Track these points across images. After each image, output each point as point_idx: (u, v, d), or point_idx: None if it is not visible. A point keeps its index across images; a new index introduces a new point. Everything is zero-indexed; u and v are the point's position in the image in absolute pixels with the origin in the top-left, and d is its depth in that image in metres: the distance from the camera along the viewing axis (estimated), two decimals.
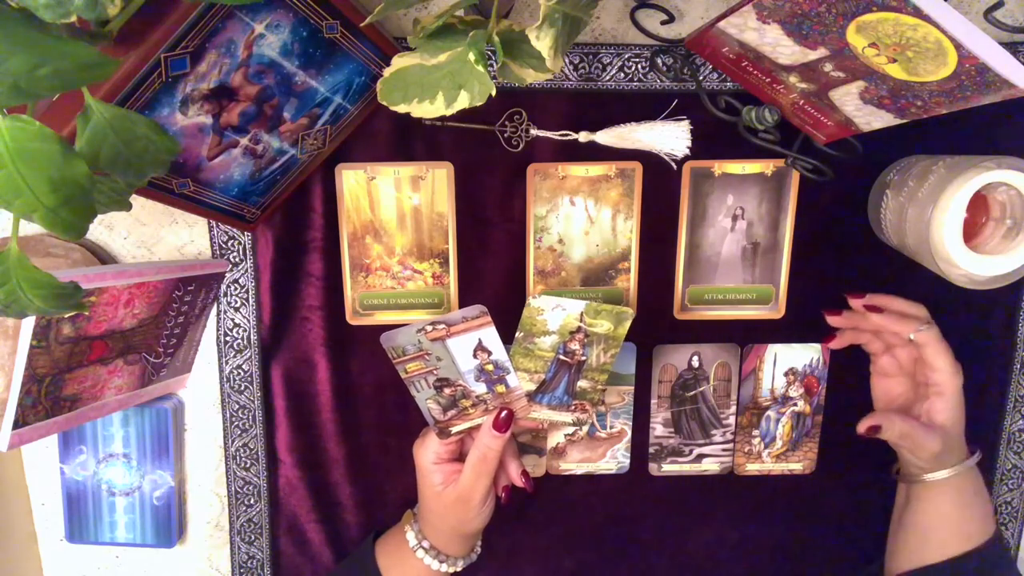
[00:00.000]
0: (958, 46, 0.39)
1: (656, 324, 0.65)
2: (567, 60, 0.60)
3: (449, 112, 0.45)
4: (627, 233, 0.64)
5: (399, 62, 0.47)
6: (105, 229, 0.62)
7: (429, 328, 0.57)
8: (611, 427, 0.68)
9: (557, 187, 0.62)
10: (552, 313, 0.58)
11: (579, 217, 0.63)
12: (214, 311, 0.64)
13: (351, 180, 0.62)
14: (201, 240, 0.63)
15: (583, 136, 0.60)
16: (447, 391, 0.59)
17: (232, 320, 0.64)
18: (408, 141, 0.61)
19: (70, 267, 0.58)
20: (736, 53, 0.52)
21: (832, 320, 0.62)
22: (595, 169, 0.62)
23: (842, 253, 0.65)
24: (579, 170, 0.62)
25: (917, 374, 0.60)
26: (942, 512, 0.58)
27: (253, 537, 0.69)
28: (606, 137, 0.60)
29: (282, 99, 0.51)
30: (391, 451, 0.67)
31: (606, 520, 0.71)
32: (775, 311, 0.66)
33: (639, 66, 0.60)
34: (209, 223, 0.62)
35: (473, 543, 0.63)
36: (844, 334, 0.63)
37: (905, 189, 0.57)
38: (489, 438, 0.58)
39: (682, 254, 0.64)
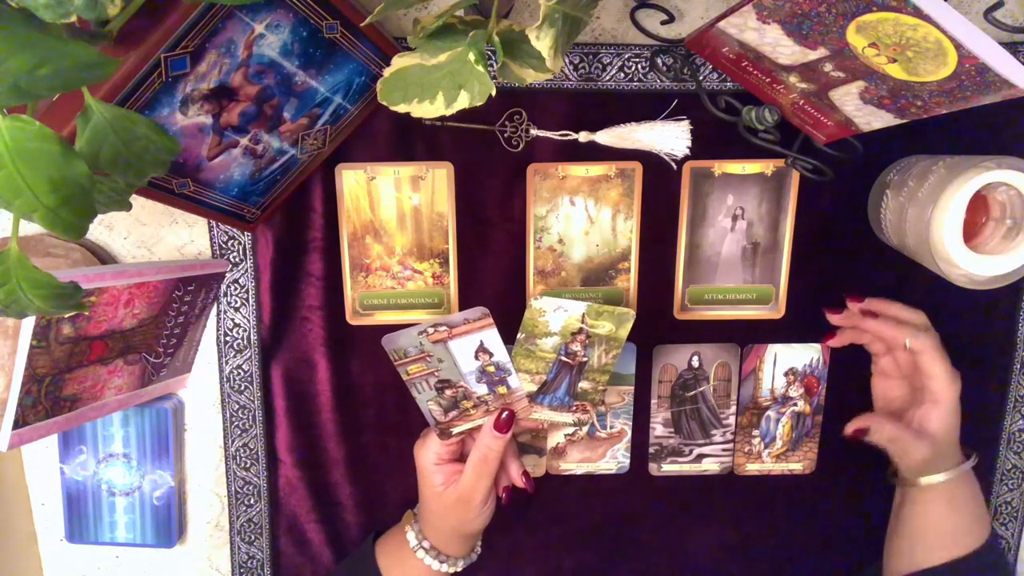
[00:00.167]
0: (958, 46, 0.39)
1: (656, 324, 0.65)
2: (567, 60, 0.60)
3: (449, 112, 0.45)
4: (627, 233, 0.64)
5: (399, 62, 0.47)
6: (105, 229, 0.62)
7: (431, 330, 0.57)
8: (611, 427, 0.68)
9: (557, 187, 0.62)
10: (554, 315, 0.58)
11: (579, 217, 0.63)
12: (214, 311, 0.64)
13: (351, 180, 0.62)
14: (201, 240, 0.63)
15: (583, 136, 0.60)
16: (448, 392, 0.59)
17: (232, 320, 0.64)
18: (408, 141, 0.61)
19: (70, 267, 0.58)
20: (736, 53, 0.52)
21: (832, 318, 0.62)
22: (595, 169, 0.62)
23: (842, 253, 0.65)
24: (579, 170, 0.62)
25: (914, 379, 0.60)
26: (935, 516, 0.58)
27: (253, 537, 0.69)
28: (606, 137, 0.60)
29: (282, 99, 0.51)
30: (391, 451, 0.67)
31: (606, 520, 0.71)
32: (775, 311, 0.66)
33: (639, 66, 0.60)
34: (209, 223, 0.62)
35: (473, 543, 0.63)
36: (844, 333, 0.63)
37: (905, 189, 0.57)
38: (490, 439, 0.58)
39: (682, 254, 0.64)
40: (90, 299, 0.49)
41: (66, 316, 0.49)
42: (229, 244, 0.63)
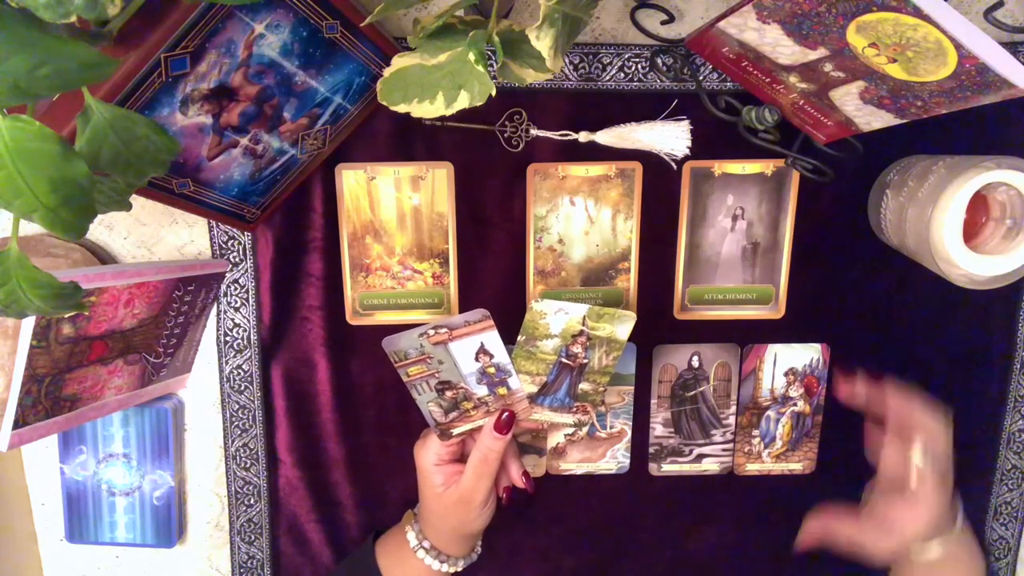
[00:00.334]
0: (958, 46, 0.39)
1: (656, 324, 0.65)
2: (567, 60, 0.60)
3: (449, 112, 0.45)
4: (627, 233, 0.64)
5: (399, 62, 0.47)
6: (105, 229, 0.62)
7: (431, 332, 0.57)
8: (611, 427, 0.68)
9: (557, 187, 0.62)
10: (554, 317, 0.58)
11: (579, 217, 0.63)
12: (214, 311, 0.64)
13: (351, 180, 0.62)
14: (201, 240, 0.63)
15: (583, 136, 0.60)
16: (449, 394, 0.59)
17: (232, 320, 0.64)
18: (408, 141, 0.61)
19: (70, 267, 0.58)
20: (736, 53, 0.52)
21: (842, 392, 0.60)
22: (595, 169, 0.62)
23: (842, 253, 0.65)
24: (579, 170, 0.62)
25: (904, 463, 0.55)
26: None
27: (253, 537, 0.69)
28: (606, 137, 0.60)
29: (282, 99, 0.51)
30: (391, 451, 0.67)
31: (606, 520, 0.71)
32: (775, 311, 0.66)
33: (639, 66, 0.60)
34: (209, 223, 0.62)
35: (474, 543, 0.63)
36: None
37: (905, 189, 0.57)
38: (490, 439, 0.58)
39: (682, 254, 0.64)
40: (90, 299, 0.49)
41: (66, 316, 0.49)
42: (229, 244, 0.63)
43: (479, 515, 0.59)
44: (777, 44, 0.48)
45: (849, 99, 0.50)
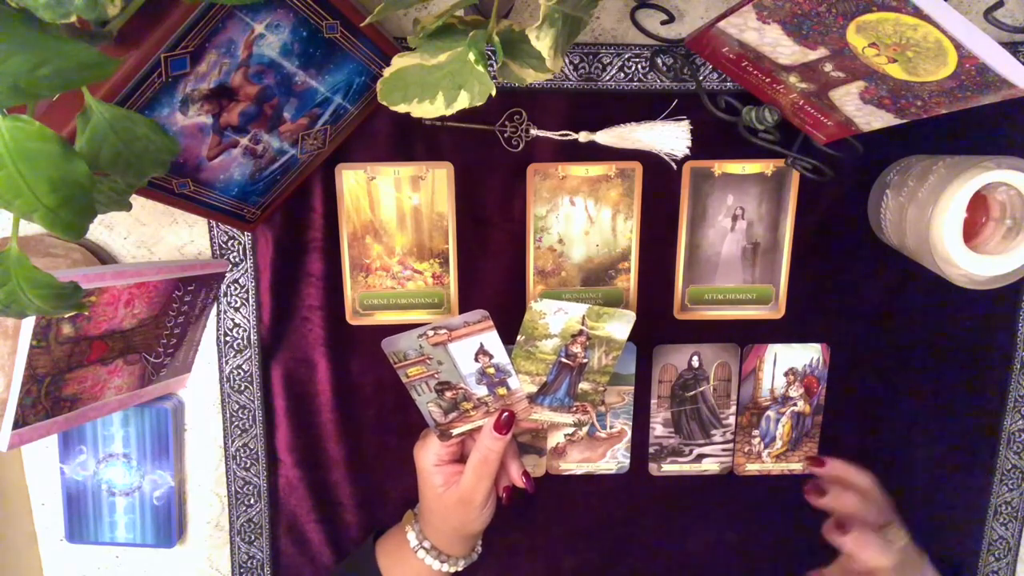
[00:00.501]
0: (958, 46, 0.39)
1: (656, 324, 0.65)
2: (567, 60, 0.60)
3: (449, 112, 0.45)
4: (627, 233, 0.64)
5: (399, 62, 0.47)
6: (105, 229, 0.62)
7: (431, 333, 0.57)
8: (611, 427, 0.68)
9: (557, 187, 0.62)
10: (554, 317, 0.58)
11: (579, 217, 0.63)
12: (214, 311, 0.64)
13: (351, 180, 0.62)
14: (201, 240, 0.63)
15: (583, 136, 0.60)
16: (448, 394, 0.59)
17: (232, 320, 0.64)
18: (408, 141, 0.61)
19: (70, 267, 0.58)
20: (736, 53, 0.52)
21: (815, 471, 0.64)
22: (595, 169, 0.62)
23: (842, 253, 0.65)
24: (579, 170, 0.62)
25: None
26: None
27: (253, 537, 0.69)
28: (606, 137, 0.60)
29: (282, 99, 0.51)
30: (391, 451, 0.67)
31: (606, 520, 0.71)
32: (775, 311, 0.66)
33: (639, 66, 0.60)
34: (209, 223, 0.62)
35: (474, 543, 0.63)
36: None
37: (905, 189, 0.57)
38: (490, 440, 0.58)
39: (682, 254, 0.64)
40: (90, 299, 0.49)
41: (66, 316, 0.49)
42: (229, 244, 0.63)
43: (479, 515, 0.59)
44: (777, 44, 0.48)
45: (849, 99, 0.50)
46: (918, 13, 0.38)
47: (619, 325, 0.58)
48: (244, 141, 0.51)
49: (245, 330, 0.65)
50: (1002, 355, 0.67)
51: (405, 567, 0.61)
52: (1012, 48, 0.60)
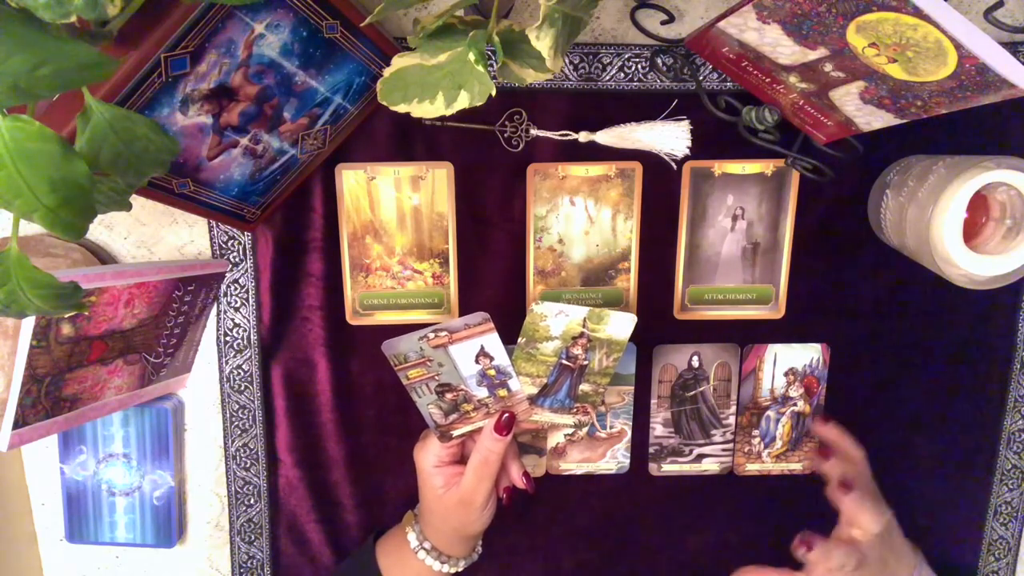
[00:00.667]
0: (958, 46, 0.39)
1: (656, 324, 0.65)
2: (567, 60, 0.60)
3: (449, 112, 0.45)
4: (627, 233, 0.64)
5: (399, 62, 0.47)
6: (105, 229, 0.62)
7: (431, 335, 0.56)
8: (611, 427, 0.68)
9: (557, 187, 0.62)
10: (555, 319, 0.58)
11: (579, 217, 0.63)
12: (214, 311, 0.64)
13: (351, 180, 0.62)
14: (201, 240, 0.63)
15: (583, 136, 0.60)
16: (449, 396, 0.59)
17: (232, 320, 0.64)
18: (408, 141, 0.61)
19: (70, 267, 0.58)
20: (736, 53, 0.52)
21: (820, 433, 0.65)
22: (595, 169, 0.62)
23: (842, 253, 0.65)
24: (579, 170, 0.62)
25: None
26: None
27: (253, 537, 0.69)
28: (606, 137, 0.60)
29: (282, 99, 0.51)
30: (391, 451, 0.67)
31: (606, 520, 0.71)
32: (775, 311, 0.66)
33: (639, 66, 0.60)
34: (209, 223, 0.62)
35: (475, 543, 0.63)
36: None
37: (905, 189, 0.57)
38: (491, 441, 0.58)
39: (682, 254, 0.64)
40: (90, 299, 0.49)
41: (66, 316, 0.49)
42: (229, 244, 0.63)
43: (480, 516, 0.59)
44: (777, 44, 0.48)
45: (849, 99, 0.50)
46: (918, 13, 0.38)
47: (620, 327, 0.58)
48: (244, 141, 0.51)
49: (245, 330, 0.65)
50: (1002, 355, 0.67)
51: (405, 567, 0.61)
52: (1012, 48, 0.60)
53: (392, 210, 0.62)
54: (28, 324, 0.47)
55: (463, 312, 0.65)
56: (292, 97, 0.51)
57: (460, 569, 0.62)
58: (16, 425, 0.49)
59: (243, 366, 0.65)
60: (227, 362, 0.65)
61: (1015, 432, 0.69)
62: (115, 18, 0.38)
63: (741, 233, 0.64)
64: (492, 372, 0.59)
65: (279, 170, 0.56)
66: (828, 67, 0.47)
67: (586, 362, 0.60)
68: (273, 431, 0.67)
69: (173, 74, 0.43)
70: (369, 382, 0.66)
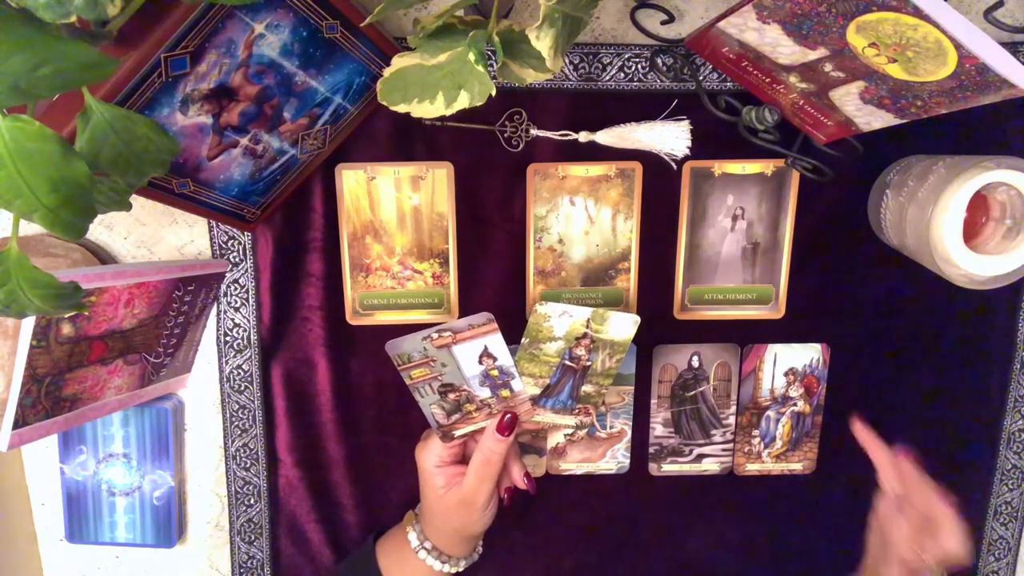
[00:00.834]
0: (958, 46, 0.39)
1: (656, 324, 0.65)
2: (567, 60, 0.59)
3: (449, 112, 0.45)
4: (627, 233, 0.64)
5: (399, 62, 0.47)
6: (105, 229, 0.62)
7: (435, 335, 0.56)
8: (611, 427, 0.68)
9: (557, 187, 0.62)
10: (558, 320, 0.58)
11: (579, 217, 0.63)
12: (214, 311, 0.64)
13: (351, 180, 0.62)
14: (201, 240, 0.63)
15: (583, 136, 0.60)
16: (451, 396, 0.59)
17: (232, 320, 0.64)
18: (408, 141, 0.61)
19: (70, 267, 0.58)
20: (736, 53, 0.52)
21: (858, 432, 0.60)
22: (595, 169, 0.62)
23: (842, 253, 0.65)
24: (579, 170, 0.62)
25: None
26: None
27: (253, 537, 0.69)
28: (606, 137, 0.60)
29: (282, 99, 0.51)
30: (391, 451, 0.67)
31: (606, 520, 0.71)
32: (775, 311, 0.66)
33: (639, 66, 0.60)
34: (209, 223, 0.62)
35: (475, 544, 0.63)
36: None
37: (905, 189, 0.57)
38: (493, 442, 0.58)
39: (682, 254, 0.64)
40: (90, 299, 0.49)
41: (66, 316, 0.49)
42: (229, 244, 0.63)
43: (481, 516, 0.59)
44: (777, 44, 0.48)
45: (849, 99, 0.50)
46: (918, 13, 0.38)
47: (623, 328, 0.58)
48: (244, 141, 0.51)
49: (245, 330, 0.65)
50: (1002, 355, 0.67)
51: (406, 567, 0.61)
52: (1012, 48, 0.60)
53: (392, 210, 0.62)
54: (28, 324, 0.47)
55: (463, 312, 0.65)
56: (292, 97, 0.51)
57: (460, 569, 0.62)
58: (16, 425, 0.49)
59: (243, 366, 0.65)
60: (227, 362, 0.65)
61: (1015, 432, 0.69)
62: (115, 18, 0.38)
63: (741, 233, 0.64)
64: (495, 373, 0.59)
65: (279, 170, 0.56)
66: (828, 67, 0.47)
67: (589, 363, 0.60)
68: (273, 431, 0.67)
69: (173, 74, 0.43)
70: (369, 382, 0.66)
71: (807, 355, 0.67)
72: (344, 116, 0.56)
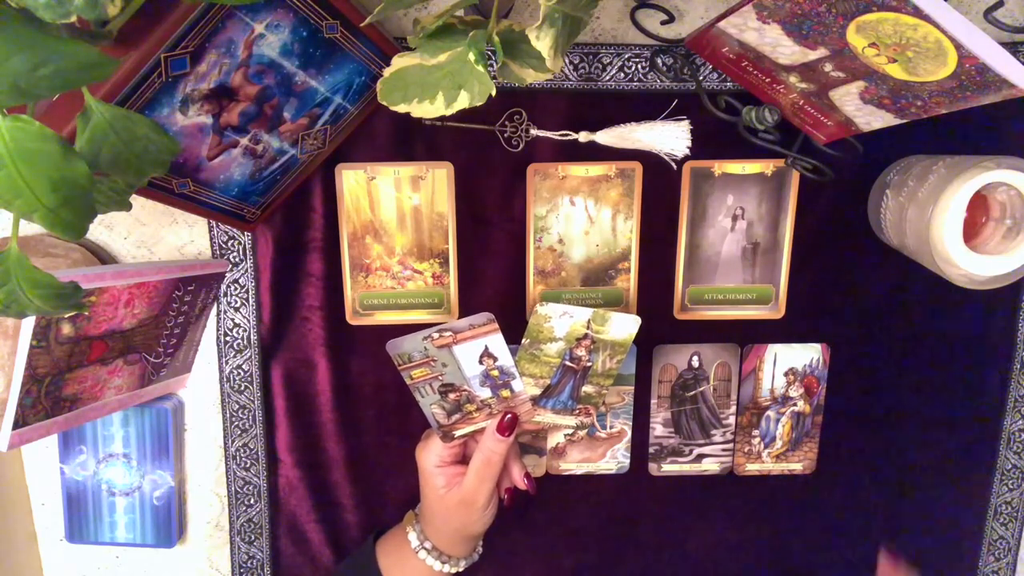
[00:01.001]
0: (958, 46, 0.39)
1: (656, 324, 0.65)
2: (567, 60, 0.60)
3: (449, 112, 0.45)
4: (627, 233, 0.64)
5: (399, 62, 0.47)
6: (105, 229, 0.62)
7: (436, 335, 0.56)
8: (611, 427, 0.68)
9: (557, 187, 0.62)
10: (559, 320, 0.58)
11: (579, 217, 0.63)
12: (214, 311, 0.64)
13: (351, 180, 0.62)
14: (201, 240, 0.63)
15: (583, 136, 0.60)
16: (452, 396, 0.59)
17: (232, 320, 0.64)
18: (408, 141, 0.61)
19: (70, 267, 0.58)
20: (736, 53, 0.52)
21: None
22: (595, 169, 0.62)
23: (842, 253, 0.65)
24: (579, 170, 0.62)
25: None
26: None
27: (253, 537, 0.69)
28: (606, 137, 0.60)
29: (282, 99, 0.51)
30: (391, 451, 0.67)
31: (606, 520, 0.71)
32: (775, 311, 0.66)
33: (639, 66, 0.60)
34: (209, 223, 0.62)
35: (475, 544, 0.63)
36: None
37: (905, 189, 0.57)
38: (493, 442, 0.58)
39: (682, 254, 0.64)
40: (90, 299, 0.49)
41: (66, 316, 0.49)
42: (229, 244, 0.63)
43: (481, 517, 0.59)
44: (777, 44, 0.48)
45: (849, 99, 0.50)
46: (918, 13, 0.38)
47: (624, 328, 0.58)
48: (244, 141, 0.51)
49: (245, 330, 0.65)
50: (1002, 355, 0.67)
51: (406, 567, 0.61)
52: (1012, 48, 0.60)
53: (392, 210, 0.62)
54: (28, 324, 0.47)
55: (463, 312, 0.65)
56: (292, 97, 0.51)
57: (460, 569, 0.62)
58: (16, 425, 0.49)
59: (243, 366, 0.65)
60: (227, 362, 0.65)
61: (1015, 432, 0.69)
62: (115, 18, 0.38)
63: (741, 233, 0.64)
64: (495, 373, 0.59)
65: (279, 170, 0.56)
66: (828, 67, 0.47)
67: (590, 363, 0.60)
68: (273, 431, 0.67)
69: (173, 74, 0.43)
70: (369, 382, 0.66)
71: (807, 355, 0.67)
72: (344, 116, 0.56)
